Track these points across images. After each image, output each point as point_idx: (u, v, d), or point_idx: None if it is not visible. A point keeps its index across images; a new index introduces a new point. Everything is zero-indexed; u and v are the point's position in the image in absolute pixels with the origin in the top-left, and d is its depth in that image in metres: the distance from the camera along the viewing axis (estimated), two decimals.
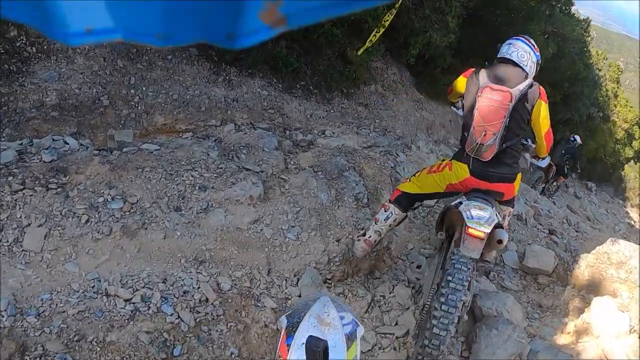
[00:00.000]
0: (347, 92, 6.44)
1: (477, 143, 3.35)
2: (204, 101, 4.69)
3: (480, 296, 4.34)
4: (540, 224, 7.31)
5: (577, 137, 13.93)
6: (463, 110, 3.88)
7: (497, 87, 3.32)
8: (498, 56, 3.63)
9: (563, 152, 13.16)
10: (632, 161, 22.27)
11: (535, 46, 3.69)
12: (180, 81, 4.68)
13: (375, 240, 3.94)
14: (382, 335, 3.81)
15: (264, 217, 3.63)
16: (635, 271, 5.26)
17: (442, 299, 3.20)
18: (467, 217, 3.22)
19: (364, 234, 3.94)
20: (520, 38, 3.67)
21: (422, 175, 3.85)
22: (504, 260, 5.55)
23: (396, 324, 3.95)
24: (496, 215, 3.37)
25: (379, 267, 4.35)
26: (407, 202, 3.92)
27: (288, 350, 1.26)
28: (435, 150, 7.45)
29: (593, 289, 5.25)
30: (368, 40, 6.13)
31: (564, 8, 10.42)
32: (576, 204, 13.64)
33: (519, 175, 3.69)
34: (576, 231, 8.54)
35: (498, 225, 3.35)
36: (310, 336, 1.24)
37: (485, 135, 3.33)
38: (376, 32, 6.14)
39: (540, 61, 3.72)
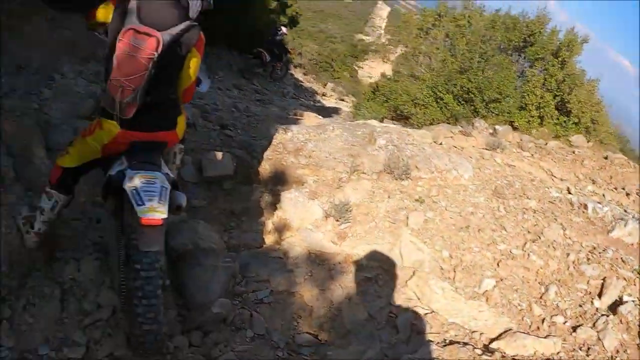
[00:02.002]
0: None
1: (114, 100, 2.93)
2: None
3: (168, 235, 4.04)
4: (210, 121, 7.67)
5: (283, 28, 16.07)
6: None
7: (142, 30, 2.86)
8: None
9: (269, 40, 15.22)
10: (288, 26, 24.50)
11: None
12: None
13: (46, 231, 3.67)
14: (91, 327, 3.63)
15: None
16: (315, 154, 5.79)
17: (140, 294, 2.96)
18: (137, 203, 2.84)
19: (31, 226, 3.61)
20: None
21: (78, 142, 3.39)
22: (183, 179, 5.43)
23: (99, 306, 3.77)
24: (166, 176, 3.10)
25: (56, 244, 4.06)
26: (70, 180, 3.53)
27: None
28: (85, 72, 7.25)
29: (279, 181, 5.67)
30: None
31: None
32: (242, 81, 14.57)
33: (182, 118, 3.42)
34: (247, 116, 9.15)
35: (172, 187, 3.11)
36: None
37: (122, 91, 2.90)
38: None
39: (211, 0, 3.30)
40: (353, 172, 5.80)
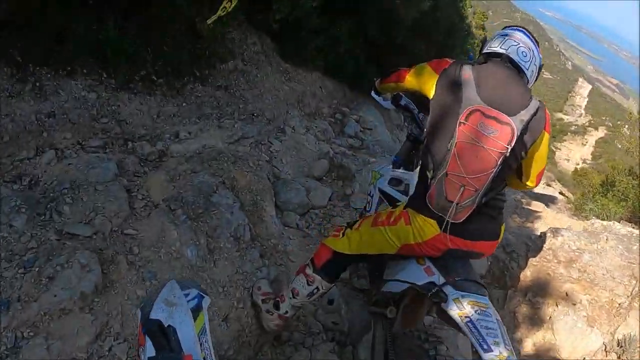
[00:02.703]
0: (202, 74, 5.35)
1: (448, 201, 2.30)
2: (6, 126, 3.40)
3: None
4: None
5: None
6: (423, 122, 2.87)
7: (492, 114, 2.21)
8: (487, 51, 2.51)
9: None
10: None
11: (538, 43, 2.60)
12: None
13: (293, 316, 3.08)
14: None
15: (110, 323, 2.49)
16: (590, 270, 4.88)
17: None
18: (481, 346, 2.10)
19: (276, 305, 2.99)
20: (520, 29, 2.57)
21: (364, 228, 2.73)
22: None
23: None
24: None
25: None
26: (339, 268, 2.88)
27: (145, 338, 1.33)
28: (312, 127, 6.67)
29: (540, 291, 4.75)
30: (221, 8, 5.07)
31: None
32: None
33: (504, 226, 2.66)
34: None
35: None
36: (149, 320, 1.36)
37: (463, 192, 2.27)
38: None
39: (542, 66, 2.62)
40: (634, 298, 4.70)
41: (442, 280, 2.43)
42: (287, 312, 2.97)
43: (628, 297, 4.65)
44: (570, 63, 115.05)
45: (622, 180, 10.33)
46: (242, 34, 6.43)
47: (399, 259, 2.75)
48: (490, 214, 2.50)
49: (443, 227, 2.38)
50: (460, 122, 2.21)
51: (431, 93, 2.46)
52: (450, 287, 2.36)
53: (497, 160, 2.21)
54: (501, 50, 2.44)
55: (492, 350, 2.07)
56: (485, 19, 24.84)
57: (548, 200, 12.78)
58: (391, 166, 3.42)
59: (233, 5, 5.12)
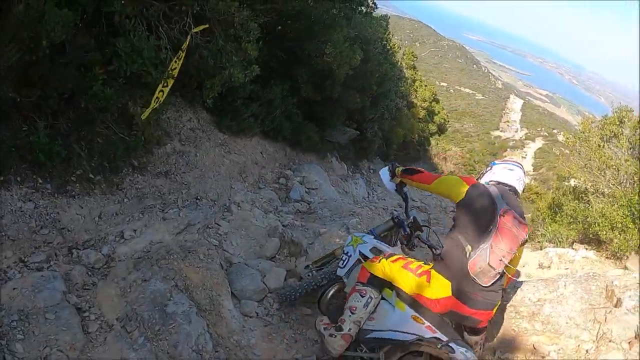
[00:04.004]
0: (140, 163, 5.32)
1: (490, 265, 3.13)
2: None
3: None
4: None
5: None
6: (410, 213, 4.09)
7: (517, 216, 3.22)
8: (500, 180, 3.63)
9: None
10: (436, 134, 24.22)
11: None
12: None
13: (355, 333, 3.54)
14: None
15: None
16: (553, 320, 5.05)
17: None
18: None
19: (339, 328, 3.52)
20: (518, 164, 3.77)
21: (396, 267, 3.52)
22: None
23: None
24: None
25: None
26: (380, 282, 3.59)
27: None
28: (257, 200, 6.73)
29: (508, 348, 4.91)
30: (154, 99, 5.09)
31: (364, 11, 10.19)
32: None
33: (500, 301, 3.51)
34: None
35: None
36: None
37: (501, 261, 3.14)
38: (163, 85, 5.13)
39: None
40: (599, 340, 4.86)
41: (445, 337, 3.11)
42: (350, 329, 3.48)
43: (594, 341, 4.81)
44: (500, 82, 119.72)
45: (569, 205, 10.63)
46: (177, 112, 6.45)
47: (386, 311, 3.51)
48: (495, 290, 3.32)
49: (455, 288, 3.22)
50: (500, 215, 3.17)
51: (459, 197, 3.37)
52: (454, 344, 3.03)
53: (519, 245, 3.19)
54: (511, 183, 3.61)
55: None
56: (415, 59, 25.76)
57: None
58: (373, 236, 4.18)
59: (167, 92, 5.18)
